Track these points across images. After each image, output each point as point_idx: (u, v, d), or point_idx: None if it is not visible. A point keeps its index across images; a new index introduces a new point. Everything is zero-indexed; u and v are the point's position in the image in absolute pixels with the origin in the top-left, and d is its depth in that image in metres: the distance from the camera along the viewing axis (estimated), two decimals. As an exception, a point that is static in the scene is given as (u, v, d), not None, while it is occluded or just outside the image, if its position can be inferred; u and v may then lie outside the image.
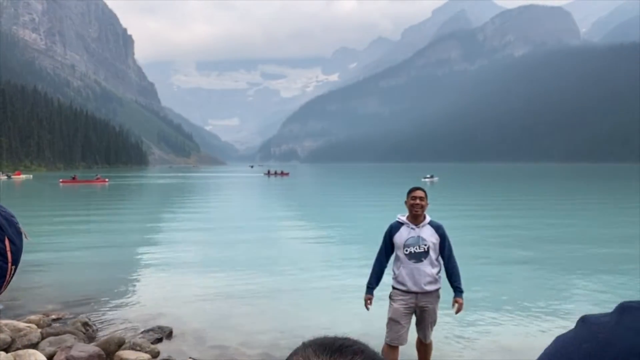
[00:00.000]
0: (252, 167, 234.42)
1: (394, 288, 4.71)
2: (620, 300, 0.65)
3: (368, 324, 7.32)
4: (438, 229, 4.71)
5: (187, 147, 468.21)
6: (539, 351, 0.68)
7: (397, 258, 4.69)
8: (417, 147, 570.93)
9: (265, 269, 11.17)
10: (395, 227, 4.73)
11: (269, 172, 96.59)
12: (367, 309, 4.78)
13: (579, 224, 20.78)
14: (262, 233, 17.42)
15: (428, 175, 70.12)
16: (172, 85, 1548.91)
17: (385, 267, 4.79)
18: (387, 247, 4.74)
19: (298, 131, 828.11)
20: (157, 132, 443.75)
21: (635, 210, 25.28)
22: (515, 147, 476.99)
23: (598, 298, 8.78)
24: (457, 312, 4.69)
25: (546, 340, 0.69)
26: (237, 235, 16.75)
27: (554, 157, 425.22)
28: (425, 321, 4.67)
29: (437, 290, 4.66)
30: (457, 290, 4.69)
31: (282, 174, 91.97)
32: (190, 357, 5.76)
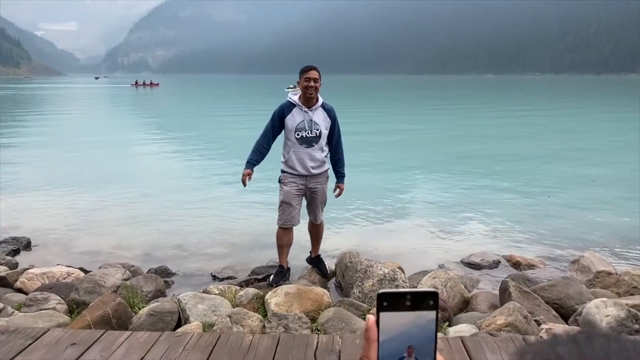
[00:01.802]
0: (97, 78, 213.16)
1: (283, 172, 4.56)
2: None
3: (231, 221, 7.26)
4: (330, 112, 4.58)
5: (16, 55, 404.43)
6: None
7: (287, 142, 4.49)
8: (275, 59, 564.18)
9: (129, 181, 10.34)
10: (287, 108, 4.48)
11: (136, 82, 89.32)
12: (245, 184, 4.51)
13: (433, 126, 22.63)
14: (125, 147, 15.97)
15: (291, 86, 70.13)
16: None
17: (270, 146, 4.56)
18: (275, 127, 4.49)
19: (148, 39, 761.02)
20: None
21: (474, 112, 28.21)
22: (368, 60, 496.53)
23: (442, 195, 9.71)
24: (337, 196, 4.77)
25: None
26: (100, 149, 15.11)
27: (402, 69, 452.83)
28: (315, 202, 4.64)
29: (326, 171, 4.63)
30: (341, 176, 4.71)
31: (151, 84, 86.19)
32: (58, 264, 5.14)
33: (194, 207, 7.88)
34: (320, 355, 2.84)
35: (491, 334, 3.32)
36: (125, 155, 13.68)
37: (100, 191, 8.90)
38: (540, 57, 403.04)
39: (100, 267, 5.04)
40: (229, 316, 3.62)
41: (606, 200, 8.39)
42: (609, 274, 4.83)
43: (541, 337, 3.36)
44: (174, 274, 5.28)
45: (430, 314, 0.51)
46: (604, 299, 3.62)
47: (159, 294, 4.51)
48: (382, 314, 0.50)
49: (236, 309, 3.84)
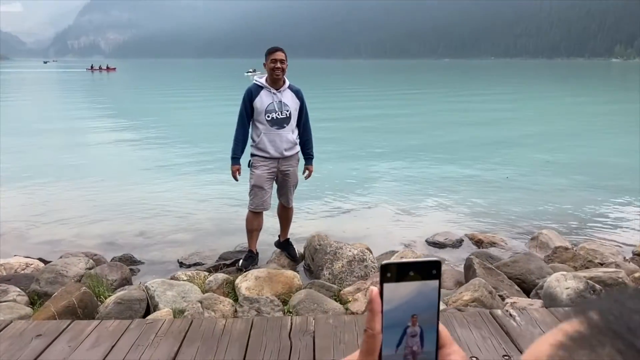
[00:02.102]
0: (46, 62, 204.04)
1: (253, 155, 4.50)
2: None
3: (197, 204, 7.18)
4: (297, 93, 4.54)
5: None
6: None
7: (258, 124, 4.43)
8: (234, 43, 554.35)
9: (87, 169, 10.02)
10: (254, 91, 4.41)
11: (92, 67, 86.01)
12: (237, 179, 4.52)
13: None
14: (82, 135, 15.39)
15: (251, 70, 69.30)
16: None
17: (248, 133, 4.50)
18: (248, 112, 4.43)
19: (100, 22, 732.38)
20: None
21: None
22: (328, 44, 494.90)
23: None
24: (307, 178, 4.75)
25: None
26: (55, 137, 14.50)
27: (362, 54, 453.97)
28: (287, 185, 4.61)
29: (297, 153, 4.60)
30: (309, 158, 4.69)
31: (107, 69, 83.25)
32: (15, 255, 4.94)
33: (157, 194, 7.71)
34: (294, 336, 2.86)
35: (459, 309, 3.42)
36: (82, 142, 13.19)
37: (57, 180, 8.57)
38: (495, 42, 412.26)
39: (61, 257, 4.88)
40: (200, 302, 3.59)
41: (560, 180, 8.72)
42: (566, 249, 5.05)
43: (589, 295, 3.41)
44: (139, 261, 5.17)
45: (433, 283, 0.51)
46: (564, 273, 3.78)
47: (125, 282, 4.41)
48: (385, 285, 0.49)
49: (206, 294, 3.80)
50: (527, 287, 4.27)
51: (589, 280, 3.59)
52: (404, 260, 0.50)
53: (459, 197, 7.64)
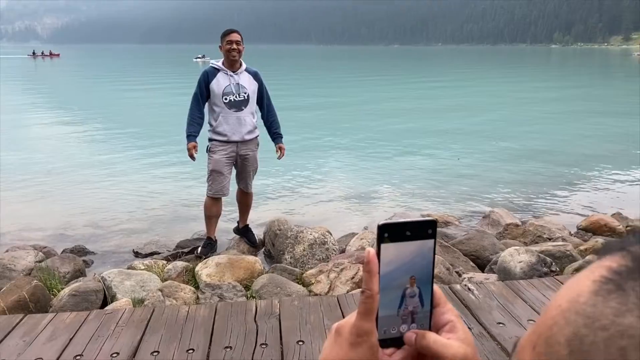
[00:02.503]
0: None
1: (211, 140, 4.40)
2: None
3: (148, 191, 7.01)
4: (255, 75, 4.48)
5: None
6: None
7: (215, 108, 4.34)
8: (181, 28, 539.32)
9: (32, 159, 9.55)
10: (211, 73, 4.31)
11: (34, 53, 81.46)
12: (194, 158, 4.39)
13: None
14: (25, 123, 14.58)
15: (200, 55, 67.69)
16: None
17: (203, 115, 4.39)
18: (203, 94, 4.32)
19: (35, 6, 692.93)
20: None
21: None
22: (278, 29, 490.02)
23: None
24: (280, 158, 4.62)
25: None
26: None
27: (312, 39, 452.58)
28: (246, 169, 4.54)
29: (257, 137, 4.54)
30: (278, 137, 4.59)
31: (51, 55, 79.56)
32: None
33: (107, 183, 7.45)
34: (260, 319, 2.85)
35: (419, 287, 3.50)
36: (26, 131, 12.53)
37: (0, 171, 8.12)
38: (442, 28, 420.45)
39: (7, 251, 4.64)
40: (160, 290, 3.51)
41: (510, 162, 9.06)
42: (516, 226, 5.27)
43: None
44: (92, 252, 4.99)
45: (429, 243, 0.51)
46: (517, 247, 3.95)
47: (79, 274, 4.25)
48: (382, 246, 0.49)
49: (166, 282, 3.72)
50: (481, 263, 4.44)
51: (540, 254, 3.77)
52: (400, 220, 0.50)
53: (414, 180, 7.80)
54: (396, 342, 0.52)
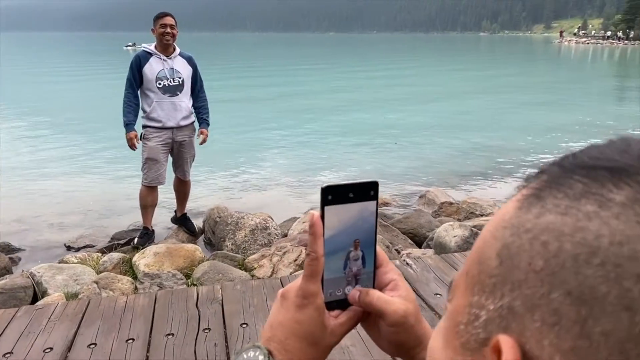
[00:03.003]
0: None
1: (146, 127, 4.25)
2: None
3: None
4: (190, 59, 4.36)
5: None
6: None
7: (148, 93, 4.18)
8: (110, 16, 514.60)
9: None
10: (143, 58, 4.15)
11: None
12: (135, 148, 4.21)
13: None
14: None
15: (130, 44, 64.97)
16: None
17: (138, 99, 4.21)
18: (136, 79, 4.15)
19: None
20: None
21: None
22: (213, 17, 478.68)
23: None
24: (202, 143, 4.45)
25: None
26: None
27: (247, 27, 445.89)
28: (183, 156, 4.43)
29: (193, 123, 4.43)
30: (205, 122, 4.44)
31: None
32: None
33: (35, 177, 7.04)
34: (202, 305, 2.81)
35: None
36: None
37: None
38: (377, 16, 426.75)
39: None
40: (96, 282, 3.37)
41: (442, 143, 9.40)
42: (450, 204, 5.49)
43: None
44: (19, 249, 4.72)
45: (372, 205, 0.51)
46: (451, 223, 4.12)
47: (5, 271, 4.01)
48: (326, 208, 0.49)
49: (102, 274, 3.58)
50: (419, 240, 4.59)
51: (473, 228, 3.95)
52: (343, 182, 0.50)
53: (353, 163, 7.92)
54: (342, 304, 0.53)
